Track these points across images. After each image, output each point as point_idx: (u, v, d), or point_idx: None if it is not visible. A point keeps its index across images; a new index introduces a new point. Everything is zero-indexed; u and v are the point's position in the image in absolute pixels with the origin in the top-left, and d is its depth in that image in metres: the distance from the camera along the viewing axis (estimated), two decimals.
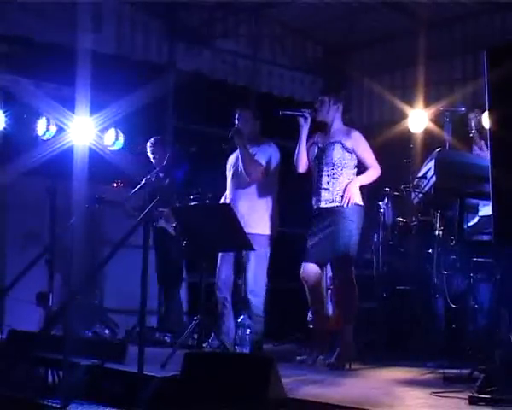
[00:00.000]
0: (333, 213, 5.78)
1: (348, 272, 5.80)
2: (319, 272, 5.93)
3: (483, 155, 5.46)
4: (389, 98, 8.79)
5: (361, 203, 5.87)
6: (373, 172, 5.88)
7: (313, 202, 5.93)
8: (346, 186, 5.77)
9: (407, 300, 6.76)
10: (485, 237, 4.85)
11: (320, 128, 6.04)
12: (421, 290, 6.53)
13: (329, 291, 6.80)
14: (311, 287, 5.91)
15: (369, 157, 5.89)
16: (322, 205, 5.83)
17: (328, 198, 5.81)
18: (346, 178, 5.82)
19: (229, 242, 5.66)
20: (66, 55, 7.34)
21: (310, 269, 5.88)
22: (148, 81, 7.73)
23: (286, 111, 5.98)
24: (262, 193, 6.28)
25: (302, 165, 5.98)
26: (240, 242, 5.58)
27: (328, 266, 6.42)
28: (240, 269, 6.31)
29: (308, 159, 5.98)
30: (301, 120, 5.91)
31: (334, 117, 5.95)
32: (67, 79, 7.33)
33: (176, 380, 4.49)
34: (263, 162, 6.26)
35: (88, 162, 7.52)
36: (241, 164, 6.26)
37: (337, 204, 5.78)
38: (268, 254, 6.27)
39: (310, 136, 6.02)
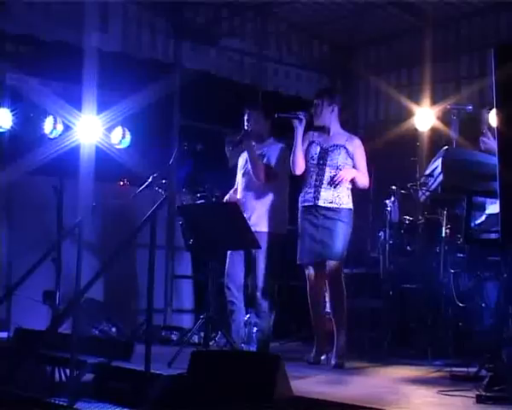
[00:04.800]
0: (330, 213, 5.82)
1: (339, 274, 5.84)
2: (318, 271, 5.92)
3: (490, 143, 5.42)
4: (396, 96, 8.77)
5: (352, 208, 5.92)
6: (365, 178, 5.95)
7: (306, 199, 5.94)
8: (341, 172, 5.82)
9: (414, 298, 6.76)
10: (493, 236, 4.82)
11: (315, 128, 6.05)
12: (428, 289, 6.53)
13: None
14: (310, 286, 5.96)
15: (363, 167, 5.96)
16: (321, 204, 5.85)
17: (327, 198, 5.84)
18: (347, 182, 5.88)
19: (235, 240, 5.66)
20: (73, 53, 7.35)
21: (309, 268, 5.94)
22: (154, 80, 7.73)
23: (281, 114, 6.03)
24: (271, 192, 6.25)
25: (299, 167, 5.98)
26: (246, 240, 5.59)
27: None
28: (249, 267, 6.30)
29: (305, 158, 5.99)
30: (296, 122, 5.93)
31: (330, 119, 5.99)
32: (74, 77, 7.35)
33: (182, 378, 4.50)
34: (272, 164, 6.25)
35: (94, 161, 7.55)
36: (249, 167, 6.25)
37: (336, 206, 5.83)
38: (275, 253, 6.25)
39: (304, 134, 6.02)
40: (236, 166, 6.61)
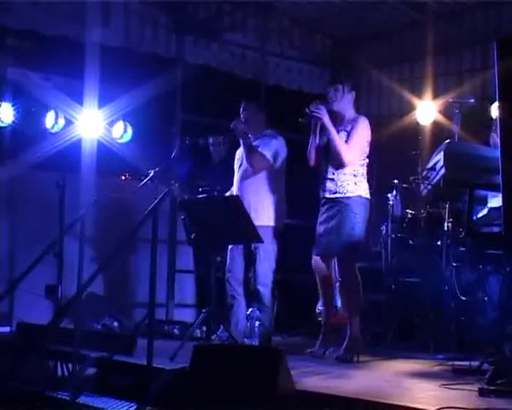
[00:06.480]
0: (337, 205, 5.75)
1: (351, 264, 5.78)
2: (328, 263, 5.91)
3: None
4: (398, 90, 8.76)
5: (367, 196, 5.81)
6: (346, 149, 5.67)
7: (320, 192, 5.92)
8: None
9: (416, 292, 6.75)
10: (495, 229, 4.81)
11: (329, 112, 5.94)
12: (431, 283, 6.52)
13: (338, 283, 6.78)
14: (321, 279, 5.93)
15: (353, 141, 5.70)
16: (327, 195, 5.82)
17: (332, 189, 5.78)
18: (352, 169, 5.76)
19: (238, 234, 5.65)
20: (75, 48, 7.35)
21: (319, 260, 5.90)
22: (156, 74, 7.72)
23: (305, 118, 5.75)
24: (268, 185, 6.26)
25: (313, 158, 5.92)
26: (249, 234, 5.58)
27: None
28: (250, 262, 6.30)
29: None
30: (321, 115, 5.70)
31: (346, 106, 5.85)
32: (76, 72, 7.35)
33: (185, 372, 4.50)
34: (267, 154, 6.26)
35: (96, 155, 7.55)
36: (243, 155, 6.27)
37: (340, 196, 5.74)
38: (275, 246, 6.25)
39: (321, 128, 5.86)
40: (221, 162, 6.66)
